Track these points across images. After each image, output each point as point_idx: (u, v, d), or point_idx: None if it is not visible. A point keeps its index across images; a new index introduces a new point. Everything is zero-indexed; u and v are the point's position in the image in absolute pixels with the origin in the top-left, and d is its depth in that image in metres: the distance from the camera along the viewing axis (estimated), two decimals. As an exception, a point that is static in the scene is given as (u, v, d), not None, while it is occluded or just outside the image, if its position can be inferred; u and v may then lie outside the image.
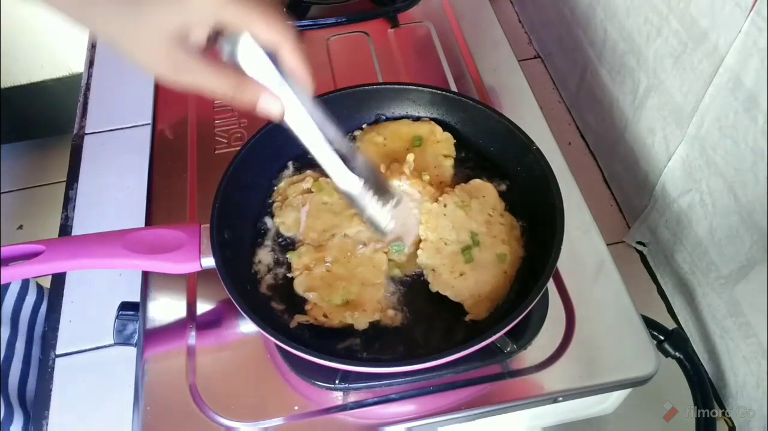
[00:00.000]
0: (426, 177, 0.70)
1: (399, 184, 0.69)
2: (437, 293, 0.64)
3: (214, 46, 0.47)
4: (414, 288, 0.66)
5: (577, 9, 0.93)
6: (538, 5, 1.07)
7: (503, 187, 0.71)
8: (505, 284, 0.64)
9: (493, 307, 0.63)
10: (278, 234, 0.70)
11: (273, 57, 0.47)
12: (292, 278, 0.65)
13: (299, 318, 0.62)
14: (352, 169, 0.56)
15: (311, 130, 0.51)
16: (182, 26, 0.43)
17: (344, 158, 0.55)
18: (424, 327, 0.63)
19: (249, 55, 0.46)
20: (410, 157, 0.70)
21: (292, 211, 0.70)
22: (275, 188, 0.73)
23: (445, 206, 0.67)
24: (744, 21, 0.57)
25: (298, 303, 0.64)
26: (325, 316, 0.62)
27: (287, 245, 0.69)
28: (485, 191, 0.70)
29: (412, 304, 0.65)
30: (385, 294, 0.65)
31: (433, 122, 0.76)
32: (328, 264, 0.65)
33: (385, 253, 0.66)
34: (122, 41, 0.45)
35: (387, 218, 0.61)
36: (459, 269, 0.64)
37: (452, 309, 0.63)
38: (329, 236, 0.68)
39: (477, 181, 0.71)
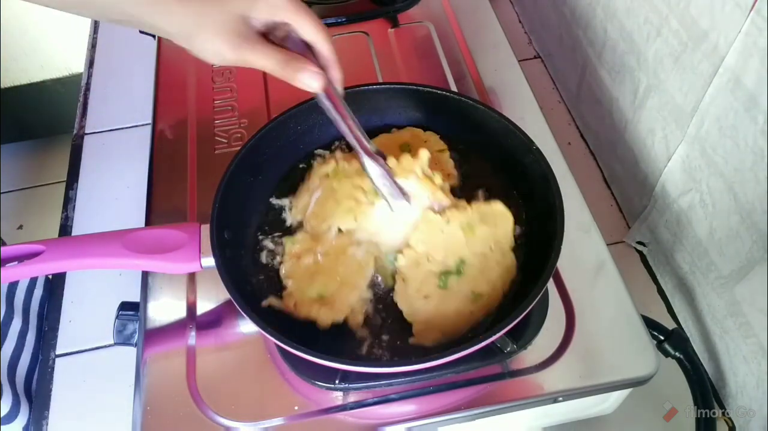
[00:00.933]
0: (438, 180, 0.65)
1: (406, 183, 0.65)
2: None
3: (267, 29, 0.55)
4: (392, 303, 0.64)
5: (577, 9, 0.93)
6: (538, 5, 1.07)
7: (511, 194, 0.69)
8: (464, 323, 0.61)
9: (441, 340, 0.60)
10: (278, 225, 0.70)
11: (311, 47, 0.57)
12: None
13: (271, 301, 0.63)
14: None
15: (342, 107, 0.60)
16: (243, 19, 0.52)
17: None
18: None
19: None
20: (424, 153, 0.65)
21: (307, 194, 0.70)
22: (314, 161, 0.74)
23: (448, 221, 0.64)
24: (744, 21, 0.57)
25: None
26: (295, 306, 0.62)
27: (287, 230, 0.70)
28: (501, 221, 0.65)
29: (384, 316, 0.64)
30: (360, 298, 0.63)
31: (411, 128, 0.75)
32: (318, 257, 0.65)
33: (376, 258, 0.65)
34: (188, 35, 0.53)
35: (400, 195, 0.64)
36: (426, 291, 0.62)
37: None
38: (327, 227, 0.67)
39: (499, 206, 0.66)
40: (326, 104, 0.59)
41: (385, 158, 0.64)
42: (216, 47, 0.53)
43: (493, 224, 0.65)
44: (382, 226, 0.66)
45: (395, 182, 0.64)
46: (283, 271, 0.65)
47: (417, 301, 0.62)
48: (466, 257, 0.63)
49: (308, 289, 0.63)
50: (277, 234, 0.70)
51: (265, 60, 0.54)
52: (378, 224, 0.66)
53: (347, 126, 0.61)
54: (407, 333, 0.62)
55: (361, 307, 0.63)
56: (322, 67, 0.57)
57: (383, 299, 0.65)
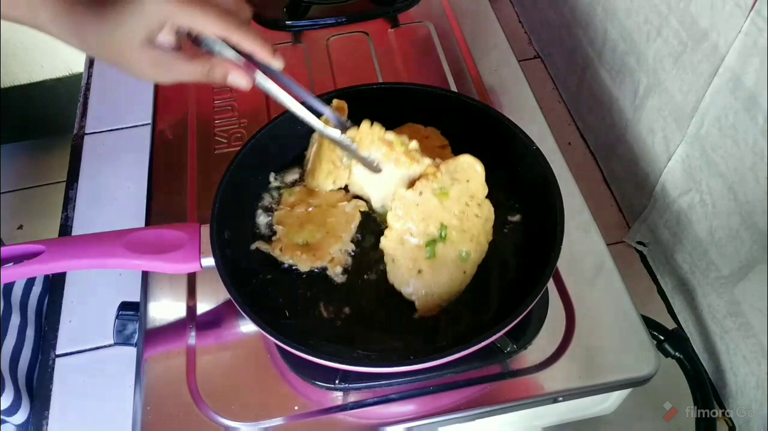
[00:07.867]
0: (399, 147, 0.65)
1: (370, 154, 0.65)
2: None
3: (187, 38, 0.54)
4: (371, 258, 0.66)
5: (577, 9, 0.93)
6: (538, 5, 1.07)
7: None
8: (460, 284, 0.63)
9: (444, 306, 0.62)
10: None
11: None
12: (294, 272, 0.66)
13: (259, 244, 0.67)
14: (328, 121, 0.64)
15: (282, 93, 0.59)
16: (147, 33, 0.50)
17: (318, 114, 0.62)
18: (368, 298, 0.64)
19: (216, 43, 0.54)
20: (377, 124, 0.64)
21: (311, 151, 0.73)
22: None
23: (420, 193, 0.64)
24: (744, 21, 0.57)
25: (297, 302, 0.64)
26: (281, 250, 0.66)
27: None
28: (470, 174, 0.65)
29: (362, 272, 0.66)
30: (342, 249, 0.66)
31: (411, 123, 0.75)
32: (310, 208, 0.69)
33: (362, 212, 0.68)
34: (108, 56, 0.53)
35: (371, 159, 0.65)
36: (418, 266, 0.63)
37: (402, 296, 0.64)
38: (315, 185, 0.70)
39: (467, 159, 0.65)
40: (266, 87, 0.57)
41: (346, 129, 0.64)
42: (138, 75, 0.53)
43: (464, 180, 0.65)
44: (369, 184, 0.69)
45: (360, 156, 0.65)
46: (275, 220, 0.69)
47: (411, 278, 0.63)
48: (446, 221, 0.64)
49: (296, 236, 0.67)
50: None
51: (188, 75, 0.54)
52: (365, 182, 0.69)
53: (294, 107, 0.60)
54: (405, 307, 0.63)
55: (341, 257, 0.66)
56: (249, 53, 0.54)
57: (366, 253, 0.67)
